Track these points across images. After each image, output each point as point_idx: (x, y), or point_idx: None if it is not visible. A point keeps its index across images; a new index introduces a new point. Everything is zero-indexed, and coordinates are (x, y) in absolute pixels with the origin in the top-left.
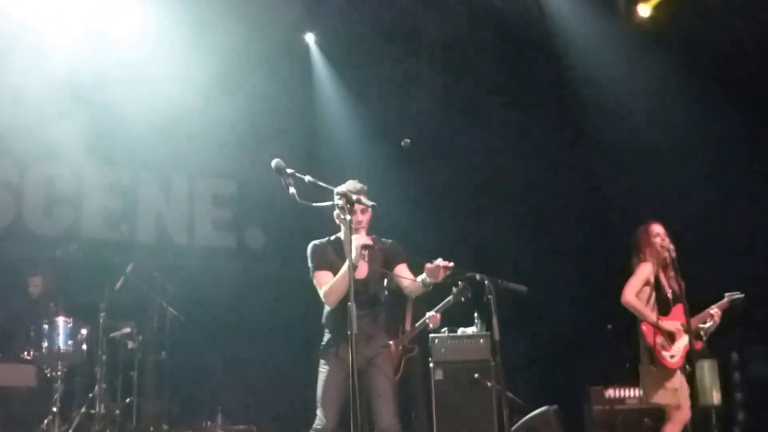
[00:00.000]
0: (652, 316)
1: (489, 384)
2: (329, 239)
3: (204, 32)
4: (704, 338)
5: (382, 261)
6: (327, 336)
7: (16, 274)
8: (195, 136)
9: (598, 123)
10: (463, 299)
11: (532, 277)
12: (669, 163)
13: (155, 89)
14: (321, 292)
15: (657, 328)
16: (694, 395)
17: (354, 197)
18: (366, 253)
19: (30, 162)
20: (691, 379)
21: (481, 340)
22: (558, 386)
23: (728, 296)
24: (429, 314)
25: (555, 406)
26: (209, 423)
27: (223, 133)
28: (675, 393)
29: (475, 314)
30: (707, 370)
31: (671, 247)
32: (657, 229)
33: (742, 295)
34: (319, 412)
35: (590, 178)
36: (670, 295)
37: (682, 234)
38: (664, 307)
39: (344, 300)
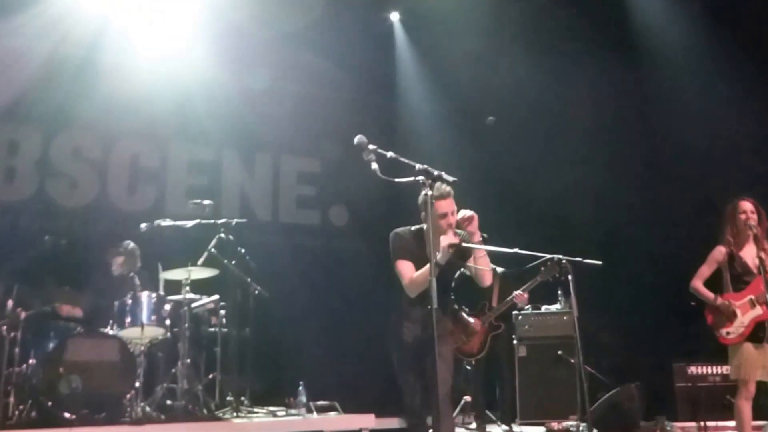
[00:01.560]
0: (712, 296)
1: (572, 360)
2: (411, 229)
3: (287, 13)
4: None
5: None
6: (399, 321)
7: (101, 250)
8: (280, 115)
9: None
10: (550, 279)
11: (618, 252)
12: None
13: (241, 69)
14: (403, 282)
15: (714, 309)
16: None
17: (435, 173)
18: (452, 252)
19: (115, 139)
20: None
21: (564, 317)
22: (641, 363)
23: None
24: (516, 293)
25: (638, 383)
26: (292, 399)
27: (307, 111)
28: (738, 369)
29: (559, 292)
30: None
31: (763, 219)
32: (744, 206)
33: None
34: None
35: (677, 156)
36: (755, 268)
37: None
38: (742, 282)
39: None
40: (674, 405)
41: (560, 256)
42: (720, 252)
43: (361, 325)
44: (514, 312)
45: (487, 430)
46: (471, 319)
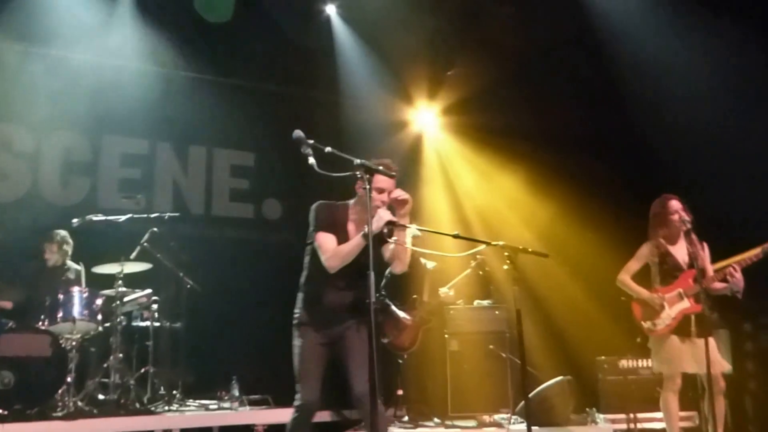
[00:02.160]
0: (640, 289)
1: (504, 355)
2: (337, 203)
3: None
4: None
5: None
6: (305, 305)
7: (32, 244)
8: (213, 108)
9: None
10: (480, 272)
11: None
12: None
13: (174, 61)
14: (324, 255)
15: (641, 302)
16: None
17: (374, 167)
18: (387, 230)
19: (46, 131)
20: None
21: (496, 312)
22: (572, 357)
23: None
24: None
25: (569, 377)
26: (224, 392)
27: (241, 104)
28: (665, 362)
29: (491, 287)
30: (719, 340)
31: (688, 219)
32: (674, 205)
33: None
34: (299, 386)
35: None
36: (684, 264)
37: None
38: (671, 277)
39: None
40: (605, 398)
41: (502, 243)
42: (650, 248)
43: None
44: (447, 306)
45: (420, 423)
46: (402, 314)
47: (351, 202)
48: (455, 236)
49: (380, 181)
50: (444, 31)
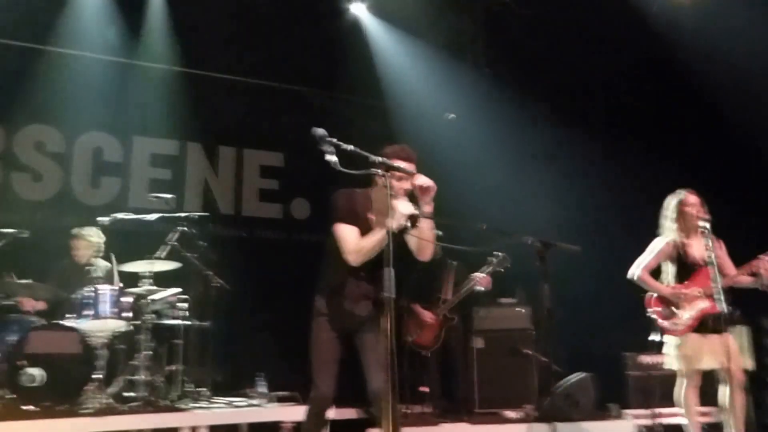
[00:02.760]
0: (661, 287)
1: (529, 352)
2: (358, 190)
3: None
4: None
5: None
6: (324, 295)
7: (63, 243)
8: (243, 109)
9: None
10: (502, 269)
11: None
12: None
13: (204, 65)
14: (346, 247)
15: (661, 299)
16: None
17: (392, 164)
18: (407, 224)
19: (77, 132)
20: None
21: (522, 309)
22: (595, 353)
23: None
24: (476, 275)
25: (591, 374)
26: (251, 390)
27: (270, 106)
28: (685, 359)
29: (516, 285)
30: (740, 336)
31: (707, 216)
32: (691, 199)
33: None
34: (314, 378)
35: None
36: (702, 261)
37: None
38: (687, 274)
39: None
40: (628, 394)
41: (532, 237)
42: (668, 244)
43: None
44: (474, 306)
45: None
46: (424, 312)
47: (372, 189)
48: (482, 228)
49: (403, 178)
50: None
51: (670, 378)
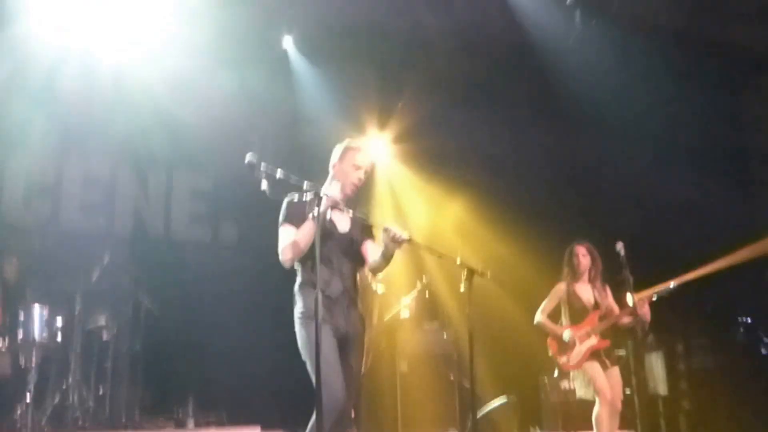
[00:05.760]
0: (555, 328)
1: (451, 376)
2: (306, 199)
3: (183, 28)
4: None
5: (360, 227)
6: (307, 300)
7: None
8: (173, 132)
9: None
10: (427, 294)
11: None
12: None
13: (136, 85)
14: (280, 246)
15: (555, 339)
16: (640, 385)
17: (322, 193)
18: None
19: (8, 153)
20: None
21: (444, 334)
22: (515, 377)
23: (658, 288)
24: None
25: (513, 397)
26: (181, 412)
27: (200, 128)
28: (591, 383)
29: (437, 309)
30: (655, 362)
31: (597, 262)
32: (582, 250)
33: (670, 288)
34: (319, 385)
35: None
36: (589, 305)
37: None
38: (579, 316)
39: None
40: (548, 418)
41: (461, 260)
42: (560, 289)
43: (249, 340)
44: (397, 330)
45: None
46: None
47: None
48: (409, 241)
49: (356, 158)
50: (393, 61)
51: (589, 402)
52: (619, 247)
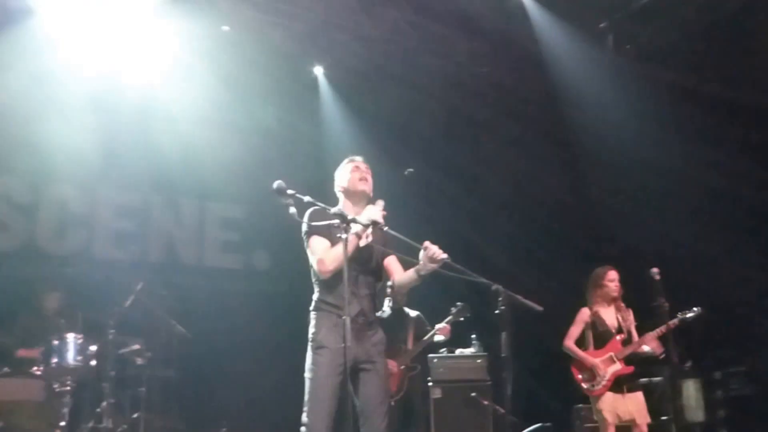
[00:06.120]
0: (584, 356)
1: (485, 402)
2: (328, 208)
3: (215, 57)
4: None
5: (380, 238)
6: (321, 325)
7: (29, 293)
8: (205, 162)
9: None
10: (462, 318)
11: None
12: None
13: (168, 116)
14: (315, 258)
15: (582, 364)
16: (677, 412)
17: (349, 217)
18: (369, 229)
19: (44, 183)
20: (673, 397)
21: (478, 360)
22: (550, 404)
23: (679, 315)
24: (438, 326)
25: (549, 424)
26: None
27: (232, 159)
28: (600, 414)
29: (473, 336)
30: (692, 389)
31: (619, 288)
32: (612, 275)
33: (693, 313)
34: (307, 421)
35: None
36: (613, 329)
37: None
38: (602, 341)
39: (341, 279)
40: None
41: (497, 286)
42: (586, 313)
43: (282, 366)
44: (429, 355)
45: None
46: (388, 361)
47: (340, 208)
48: (447, 261)
49: (353, 167)
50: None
51: (622, 430)
52: (654, 272)
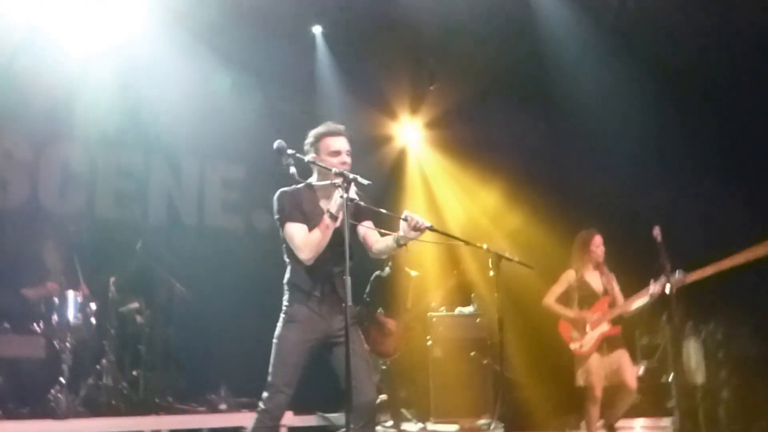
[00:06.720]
0: (567, 311)
1: (485, 361)
2: (298, 188)
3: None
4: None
5: (352, 212)
6: (294, 301)
7: (30, 250)
8: (205, 122)
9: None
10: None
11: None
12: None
13: (168, 77)
14: (295, 245)
15: (569, 322)
16: (678, 373)
17: (350, 176)
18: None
19: (45, 143)
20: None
21: (478, 320)
22: (551, 363)
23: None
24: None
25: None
26: (213, 396)
27: (232, 119)
28: (586, 376)
29: (472, 295)
30: (692, 349)
31: (603, 252)
32: (598, 240)
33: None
34: (270, 386)
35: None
36: (599, 292)
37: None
38: (588, 303)
39: (319, 258)
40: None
41: (488, 246)
42: (571, 275)
43: None
44: (429, 314)
45: (402, 428)
46: (388, 320)
47: (313, 181)
48: (431, 229)
49: (333, 143)
50: (425, 47)
51: (615, 387)
52: (656, 232)
